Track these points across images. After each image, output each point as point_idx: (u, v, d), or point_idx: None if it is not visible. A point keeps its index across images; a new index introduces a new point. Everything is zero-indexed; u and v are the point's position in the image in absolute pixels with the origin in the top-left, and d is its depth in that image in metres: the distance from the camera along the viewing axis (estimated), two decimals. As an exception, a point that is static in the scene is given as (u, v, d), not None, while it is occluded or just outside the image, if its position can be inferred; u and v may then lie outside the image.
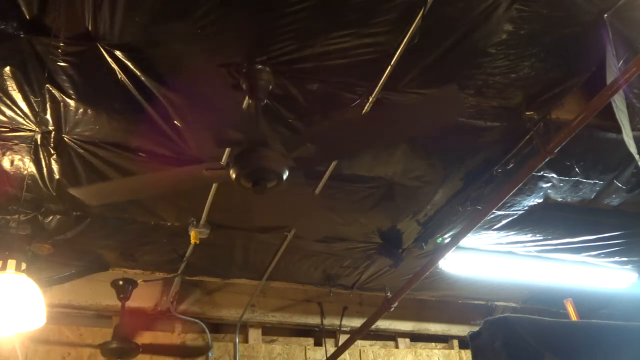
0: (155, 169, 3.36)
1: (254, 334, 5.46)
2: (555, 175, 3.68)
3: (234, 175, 2.51)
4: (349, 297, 5.51)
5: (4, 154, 3.22)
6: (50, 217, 3.74)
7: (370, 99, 2.94)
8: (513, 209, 3.98)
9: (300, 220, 3.33)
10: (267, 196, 2.51)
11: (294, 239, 4.24)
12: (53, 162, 3.28)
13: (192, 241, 3.92)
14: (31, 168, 3.29)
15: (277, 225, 4.12)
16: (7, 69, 2.69)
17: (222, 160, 3.05)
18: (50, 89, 2.80)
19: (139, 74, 2.72)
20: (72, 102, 2.89)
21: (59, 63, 2.65)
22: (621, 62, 2.78)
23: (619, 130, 2.92)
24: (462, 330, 5.97)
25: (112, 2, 2.40)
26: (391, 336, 5.94)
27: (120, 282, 4.64)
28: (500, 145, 3.40)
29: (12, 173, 3.34)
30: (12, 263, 3.00)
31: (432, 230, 4.21)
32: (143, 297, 4.95)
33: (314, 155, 2.56)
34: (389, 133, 2.56)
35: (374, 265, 4.79)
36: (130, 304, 4.73)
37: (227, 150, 3.02)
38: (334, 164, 3.36)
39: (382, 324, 5.63)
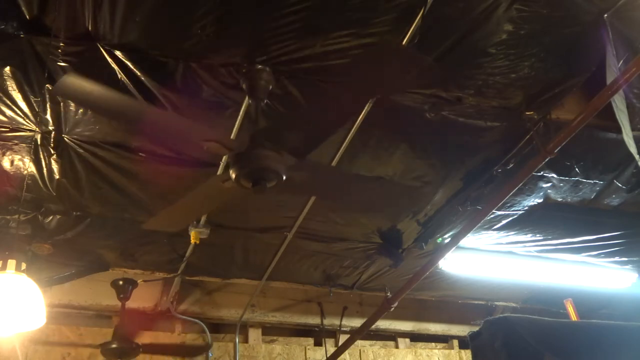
0: (155, 169, 3.38)
1: (254, 334, 5.46)
2: (555, 175, 3.68)
3: (234, 175, 2.51)
4: (349, 297, 5.51)
5: (4, 154, 3.22)
6: (50, 217, 3.74)
7: (370, 99, 2.94)
8: (513, 209, 3.98)
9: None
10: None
11: (294, 239, 4.24)
12: (53, 162, 3.28)
13: (192, 241, 3.91)
14: (31, 168, 3.29)
15: (276, 225, 4.12)
16: (7, 69, 2.69)
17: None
18: (50, 89, 2.79)
19: (139, 74, 2.72)
20: (72, 102, 2.88)
21: (59, 63, 2.65)
22: (621, 62, 2.78)
23: (619, 130, 2.92)
24: (462, 330, 5.97)
25: (112, 2, 2.39)
26: (391, 336, 5.94)
27: (120, 282, 4.64)
28: (500, 145, 3.40)
29: (12, 173, 3.34)
30: (12, 263, 3.00)
31: (432, 230, 4.21)
32: (143, 297, 4.95)
33: (306, 183, 2.58)
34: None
35: (374, 265, 4.79)
36: (130, 304, 4.73)
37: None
38: (335, 160, 3.36)
39: (382, 324, 5.63)
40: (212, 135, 2.45)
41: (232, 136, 3.05)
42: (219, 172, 3.34)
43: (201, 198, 2.86)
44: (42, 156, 3.24)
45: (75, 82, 2.20)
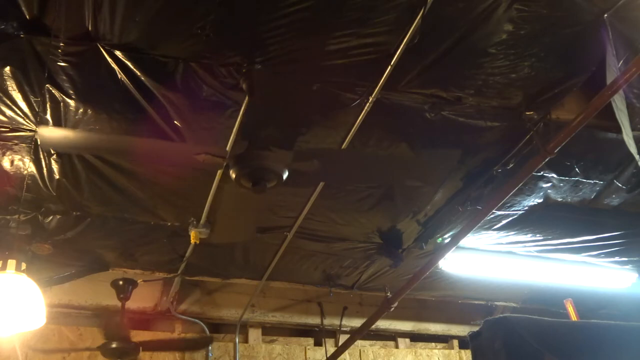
0: (155, 169, 3.38)
1: (254, 334, 5.46)
2: (555, 175, 3.68)
3: (234, 175, 2.51)
4: (349, 297, 5.51)
5: (4, 154, 3.22)
6: (50, 217, 3.74)
7: (370, 99, 2.94)
8: (513, 209, 3.98)
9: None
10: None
11: (294, 239, 4.24)
12: (53, 162, 3.28)
13: (192, 241, 3.91)
14: (31, 168, 3.29)
15: (276, 225, 4.12)
16: (7, 69, 2.69)
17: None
18: (50, 89, 2.79)
19: (139, 74, 2.72)
20: (72, 102, 2.88)
21: (59, 63, 2.65)
22: (621, 62, 2.78)
23: (619, 130, 2.92)
24: (462, 330, 5.97)
25: (112, 2, 2.39)
26: (391, 336, 5.94)
27: (120, 282, 4.64)
28: (500, 145, 3.40)
29: (12, 173, 3.34)
30: (12, 263, 3.01)
31: (432, 230, 4.21)
32: (143, 297, 4.96)
33: (312, 172, 2.57)
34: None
35: (374, 265, 4.79)
36: (130, 304, 4.73)
37: (229, 146, 3.01)
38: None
39: (382, 324, 5.63)
40: (203, 149, 2.47)
41: (232, 137, 3.05)
42: (218, 172, 3.34)
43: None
44: (42, 156, 3.24)
45: (57, 132, 2.25)
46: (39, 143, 2.78)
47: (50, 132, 2.33)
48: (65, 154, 3.21)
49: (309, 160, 2.54)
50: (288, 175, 2.51)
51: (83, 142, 2.62)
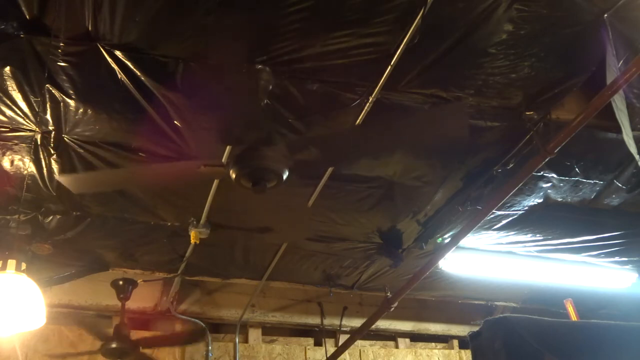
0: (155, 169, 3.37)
1: (254, 334, 5.46)
2: (555, 175, 3.68)
3: (234, 175, 2.51)
4: (349, 297, 5.51)
5: (4, 154, 3.22)
6: (50, 217, 3.74)
7: (370, 99, 2.94)
8: (513, 209, 3.98)
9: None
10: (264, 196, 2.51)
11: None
12: (53, 162, 3.28)
13: (192, 241, 3.91)
14: (31, 168, 3.29)
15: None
16: (7, 69, 2.69)
17: (223, 159, 3.04)
18: (50, 89, 2.79)
19: (139, 74, 2.72)
20: (72, 102, 2.89)
21: (59, 63, 2.65)
22: (621, 62, 2.78)
23: (619, 130, 2.92)
24: (462, 330, 5.97)
25: (112, 2, 2.39)
26: (391, 336, 5.94)
27: (120, 282, 4.65)
28: (500, 145, 3.40)
29: (12, 173, 3.34)
30: (12, 263, 3.01)
31: (432, 230, 4.21)
32: (143, 297, 4.95)
33: (315, 159, 2.55)
34: (389, 140, 2.56)
35: (374, 265, 4.79)
36: (130, 304, 4.73)
37: (228, 149, 3.01)
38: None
39: (382, 324, 5.63)
40: (202, 162, 2.50)
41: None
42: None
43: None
44: (42, 156, 3.24)
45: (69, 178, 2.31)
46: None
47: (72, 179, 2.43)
48: (65, 155, 3.21)
49: (306, 150, 2.53)
50: (293, 169, 2.50)
51: (94, 182, 2.68)
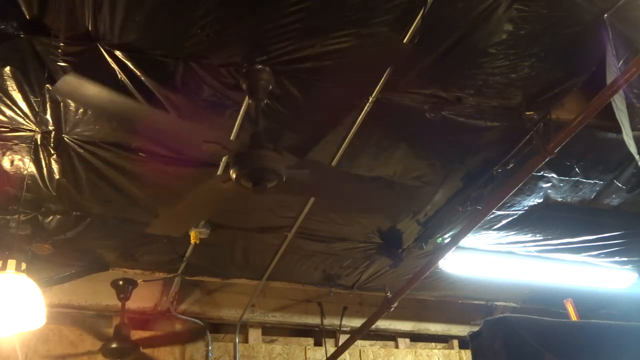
0: (155, 169, 3.37)
1: (254, 334, 5.46)
2: (555, 175, 3.68)
3: (234, 175, 2.51)
4: (349, 297, 5.51)
5: (4, 154, 3.22)
6: (50, 217, 3.74)
7: (370, 99, 2.94)
8: (513, 209, 3.98)
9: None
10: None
11: (294, 239, 4.24)
12: (53, 162, 3.28)
13: (192, 241, 3.91)
14: (31, 168, 3.29)
15: (276, 225, 4.12)
16: (7, 69, 2.69)
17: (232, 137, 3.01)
18: (51, 88, 2.79)
19: (139, 74, 2.72)
20: (72, 102, 2.88)
21: (59, 63, 2.65)
22: (621, 62, 2.78)
23: (619, 130, 2.92)
24: (462, 330, 5.97)
25: (112, 2, 2.39)
26: (391, 336, 5.94)
27: (120, 282, 4.64)
28: (500, 145, 3.40)
29: (12, 173, 3.34)
30: (12, 263, 3.01)
31: (432, 230, 4.21)
32: (143, 297, 4.95)
33: (302, 181, 2.58)
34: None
35: (374, 265, 4.79)
36: (130, 304, 4.73)
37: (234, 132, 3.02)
38: (335, 160, 3.36)
39: (382, 324, 5.63)
40: (212, 136, 2.46)
41: (232, 137, 3.05)
42: (219, 172, 3.34)
43: (203, 200, 2.86)
44: (42, 156, 3.24)
45: (75, 82, 2.20)
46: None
47: (67, 83, 2.24)
48: (65, 155, 3.21)
49: (300, 169, 2.55)
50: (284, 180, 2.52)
51: (98, 100, 2.50)
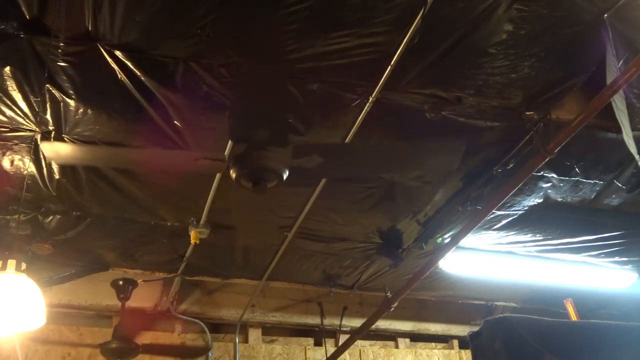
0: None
1: (254, 334, 5.46)
2: (555, 175, 3.68)
3: (234, 175, 2.51)
4: (349, 297, 5.51)
5: (4, 154, 3.22)
6: (50, 217, 3.74)
7: (370, 99, 2.94)
8: (513, 209, 3.98)
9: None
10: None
11: (294, 239, 4.24)
12: (53, 162, 3.28)
13: (192, 241, 3.91)
14: (31, 168, 3.29)
15: (277, 225, 4.12)
16: (7, 69, 2.69)
17: (225, 152, 3.02)
18: (50, 89, 2.80)
19: (139, 74, 2.72)
20: (72, 102, 2.89)
21: (59, 63, 2.65)
22: (621, 62, 2.78)
23: (619, 130, 2.92)
24: (462, 330, 5.97)
25: (112, 2, 2.39)
26: (391, 336, 5.94)
27: (120, 282, 4.64)
28: (500, 145, 3.40)
29: (12, 173, 3.34)
30: (12, 263, 3.01)
31: (432, 230, 4.21)
32: (143, 297, 4.95)
33: (314, 168, 2.56)
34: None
35: (374, 265, 4.79)
36: (130, 304, 4.73)
37: (229, 145, 3.01)
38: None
39: (382, 324, 5.63)
40: (202, 154, 2.48)
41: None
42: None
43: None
44: (42, 156, 3.24)
45: (49, 148, 2.27)
46: (46, 157, 2.79)
47: (53, 148, 2.37)
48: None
49: (309, 156, 2.53)
50: (289, 174, 2.50)
51: (86, 156, 2.64)
